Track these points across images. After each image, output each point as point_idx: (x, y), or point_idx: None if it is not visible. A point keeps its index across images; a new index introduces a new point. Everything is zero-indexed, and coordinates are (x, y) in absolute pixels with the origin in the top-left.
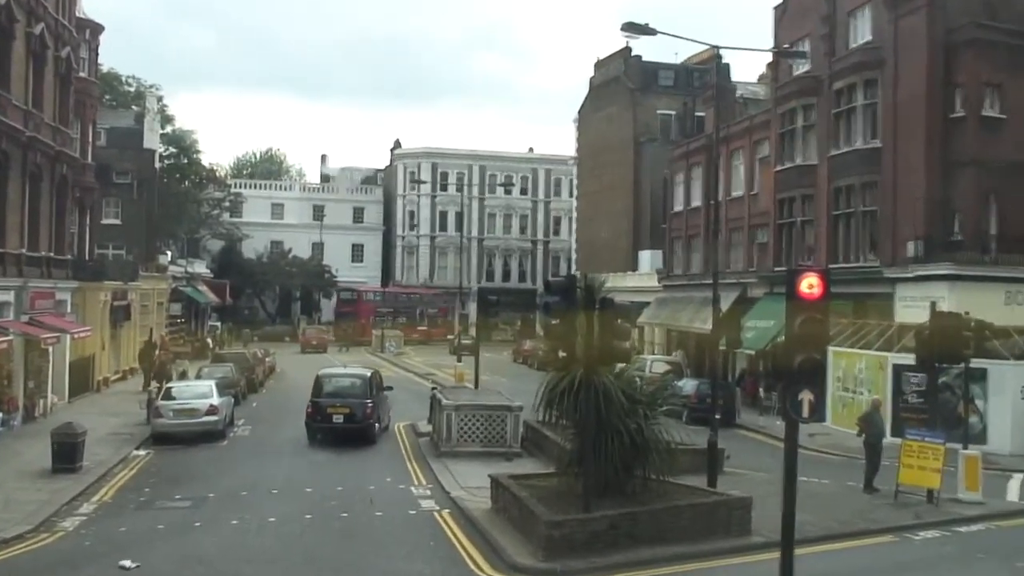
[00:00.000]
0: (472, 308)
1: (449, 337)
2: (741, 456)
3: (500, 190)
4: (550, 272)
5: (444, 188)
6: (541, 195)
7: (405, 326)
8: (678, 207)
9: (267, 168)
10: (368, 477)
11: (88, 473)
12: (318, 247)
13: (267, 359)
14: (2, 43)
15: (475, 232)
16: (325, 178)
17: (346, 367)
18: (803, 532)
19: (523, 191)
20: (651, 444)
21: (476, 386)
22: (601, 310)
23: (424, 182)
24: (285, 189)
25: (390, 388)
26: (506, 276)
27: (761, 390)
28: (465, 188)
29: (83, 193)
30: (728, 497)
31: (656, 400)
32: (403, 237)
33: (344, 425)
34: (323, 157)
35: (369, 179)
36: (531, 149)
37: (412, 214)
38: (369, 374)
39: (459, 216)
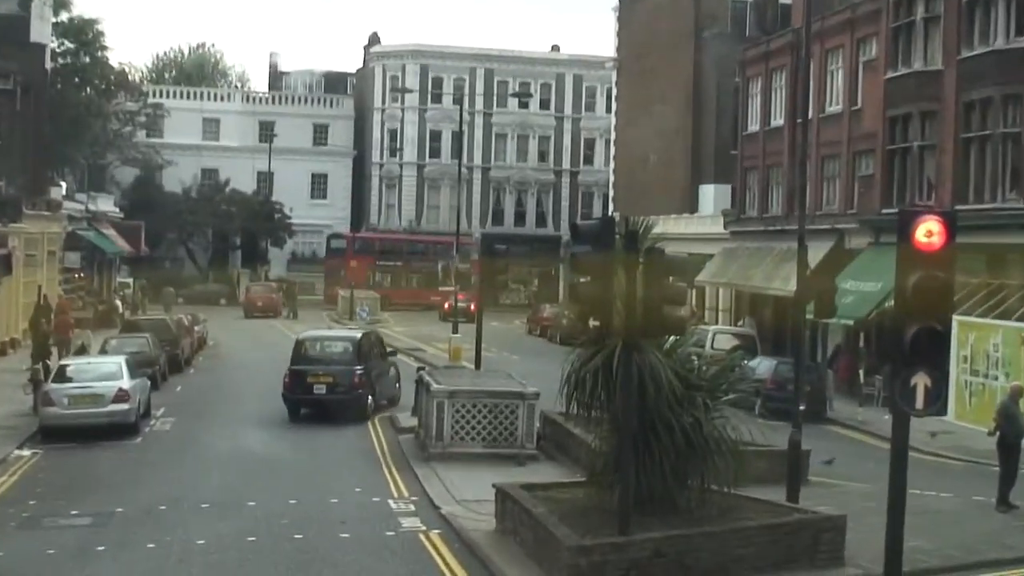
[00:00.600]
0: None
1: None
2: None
3: (513, 103)
4: (579, 213)
5: (437, 100)
6: (568, 110)
7: (421, 287)
8: (753, 127)
9: (198, 71)
10: (331, 487)
11: None
12: (266, 178)
13: (196, 328)
14: None
15: (478, 159)
16: (276, 85)
17: (331, 329)
18: (914, 562)
19: (544, 104)
20: (712, 444)
21: (478, 366)
22: (647, 264)
23: (410, 91)
24: (222, 99)
25: (393, 353)
26: (519, 219)
27: (861, 373)
28: (465, 100)
29: None
30: (814, 515)
31: (720, 386)
32: (381, 165)
33: (327, 396)
34: (273, 57)
35: (335, 86)
36: (555, 47)
37: (393, 134)
38: (360, 336)
39: (456, 137)
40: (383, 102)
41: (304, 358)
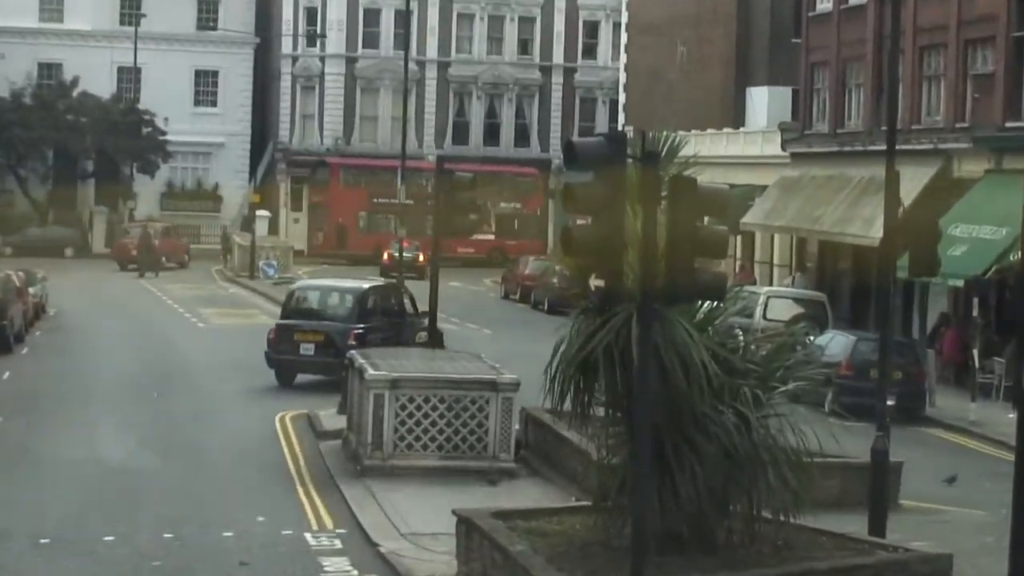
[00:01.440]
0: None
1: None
2: (931, 474)
3: None
4: (576, 128)
5: None
6: None
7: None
8: (823, 5)
9: None
10: (224, 514)
11: None
12: (130, 76)
13: (32, 289)
14: None
15: (432, 51)
16: None
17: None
18: None
19: None
20: (764, 454)
21: (432, 344)
22: (673, 200)
23: None
24: None
25: (425, 314)
26: (491, 135)
27: (975, 354)
28: None
29: None
30: (908, 554)
31: (775, 371)
32: (294, 59)
33: (315, 358)
34: None
35: None
36: None
37: (312, 15)
38: (366, 288)
39: (402, 19)
40: None
41: (294, 311)
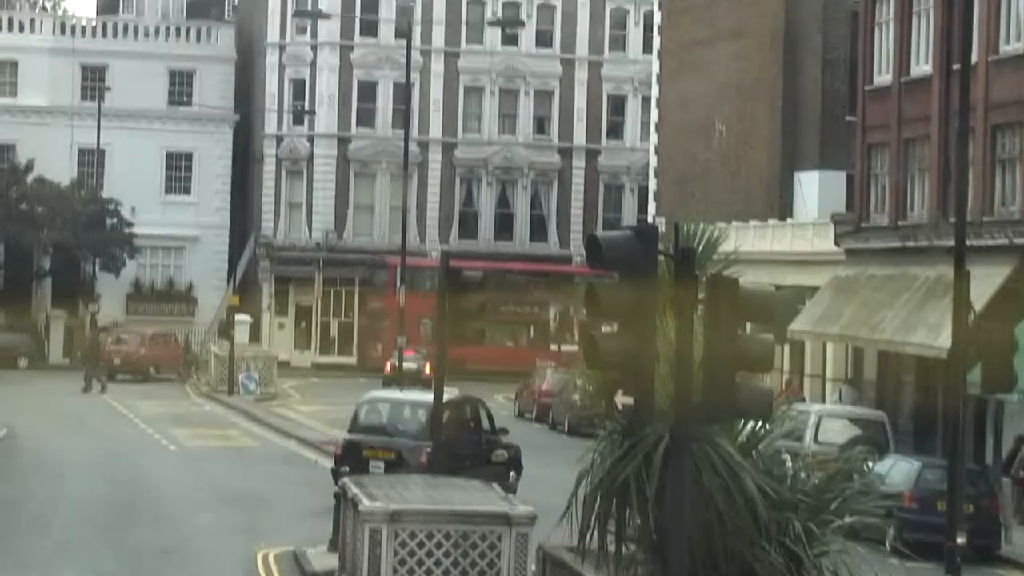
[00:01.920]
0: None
1: None
2: None
3: (494, 36)
4: (599, 219)
5: (371, 31)
6: (582, 49)
7: (521, 344)
8: (882, 77)
9: None
10: None
11: None
12: (91, 159)
13: None
14: None
15: (436, 130)
16: (110, 7)
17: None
18: None
19: (542, 39)
20: None
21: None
22: (712, 303)
23: (326, 16)
24: (22, 29)
25: (504, 431)
26: (503, 227)
27: None
28: (416, 30)
29: None
30: None
31: (829, 503)
32: (279, 139)
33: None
34: None
35: (204, 8)
36: None
37: (299, 88)
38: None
39: (401, 93)
40: (283, 34)
41: (363, 426)
